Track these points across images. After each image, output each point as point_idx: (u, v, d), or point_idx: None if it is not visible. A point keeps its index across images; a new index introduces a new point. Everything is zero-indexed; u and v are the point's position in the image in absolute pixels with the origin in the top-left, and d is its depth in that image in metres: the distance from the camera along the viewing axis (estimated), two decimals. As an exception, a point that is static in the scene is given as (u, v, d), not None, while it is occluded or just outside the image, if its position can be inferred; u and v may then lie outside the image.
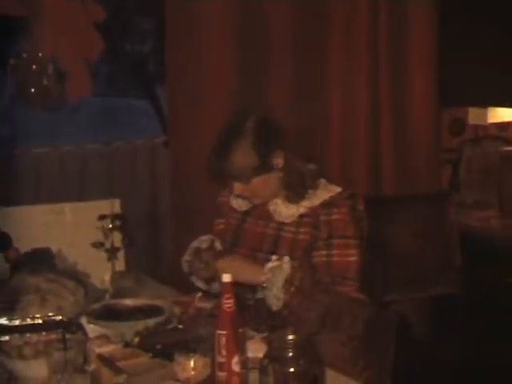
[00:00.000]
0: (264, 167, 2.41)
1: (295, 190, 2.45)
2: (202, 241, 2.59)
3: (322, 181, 2.50)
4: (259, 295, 2.38)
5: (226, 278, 1.97)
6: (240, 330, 1.97)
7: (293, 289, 2.31)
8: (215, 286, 2.48)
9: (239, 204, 2.59)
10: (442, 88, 4.02)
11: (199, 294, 2.55)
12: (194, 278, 2.56)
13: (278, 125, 2.50)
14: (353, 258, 2.38)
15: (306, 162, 2.51)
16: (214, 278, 2.42)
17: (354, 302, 2.38)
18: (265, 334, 2.21)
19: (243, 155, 2.38)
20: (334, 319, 2.33)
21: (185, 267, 2.60)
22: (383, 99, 3.98)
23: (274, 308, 2.33)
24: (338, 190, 2.47)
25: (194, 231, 2.73)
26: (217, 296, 2.38)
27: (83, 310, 2.43)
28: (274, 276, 2.32)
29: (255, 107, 3.47)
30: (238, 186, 2.45)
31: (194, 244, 2.60)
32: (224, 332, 1.94)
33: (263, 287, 2.34)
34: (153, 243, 3.95)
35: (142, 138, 4.08)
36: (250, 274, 2.36)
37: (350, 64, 3.92)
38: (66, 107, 3.61)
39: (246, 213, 2.59)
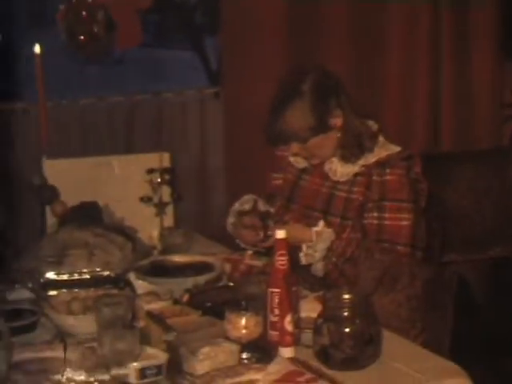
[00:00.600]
0: (321, 127, 2.36)
1: (351, 150, 2.39)
2: (244, 201, 2.56)
3: (381, 139, 2.43)
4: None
5: (280, 234, 1.93)
6: (293, 289, 1.94)
7: (330, 266, 2.30)
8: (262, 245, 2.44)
9: (297, 160, 2.54)
10: (508, 39, 3.87)
11: (250, 252, 2.51)
12: (238, 241, 2.54)
13: (337, 81, 2.42)
14: (405, 223, 2.31)
15: (365, 120, 2.44)
16: (261, 242, 2.39)
17: (413, 262, 2.31)
18: (319, 293, 2.15)
19: (300, 117, 2.34)
20: (391, 279, 2.28)
21: (230, 229, 2.57)
22: (444, 55, 3.85)
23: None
24: (397, 149, 2.40)
25: (247, 187, 2.68)
26: (268, 254, 2.34)
27: (131, 266, 2.41)
28: (314, 250, 2.30)
29: (313, 62, 3.37)
30: (295, 146, 2.41)
31: (236, 206, 2.57)
32: (277, 290, 1.91)
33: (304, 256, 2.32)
34: (202, 199, 3.89)
35: (189, 88, 3.98)
36: (297, 237, 2.30)
37: (410, 20, 3.79)
38: (112, 58, 3.55)
39: (304, 170, 2.54)
